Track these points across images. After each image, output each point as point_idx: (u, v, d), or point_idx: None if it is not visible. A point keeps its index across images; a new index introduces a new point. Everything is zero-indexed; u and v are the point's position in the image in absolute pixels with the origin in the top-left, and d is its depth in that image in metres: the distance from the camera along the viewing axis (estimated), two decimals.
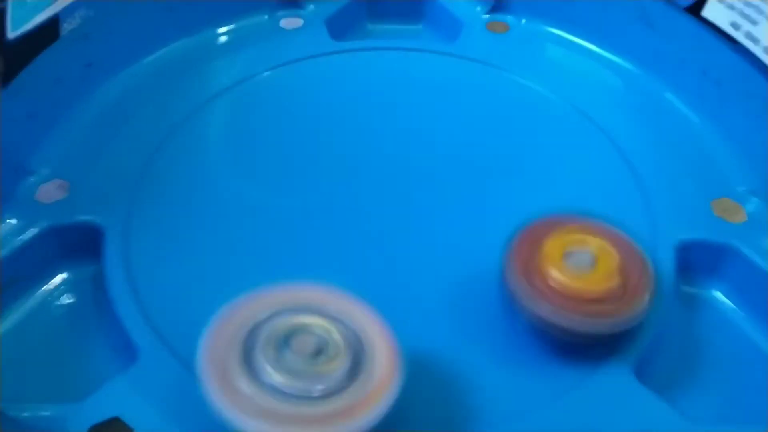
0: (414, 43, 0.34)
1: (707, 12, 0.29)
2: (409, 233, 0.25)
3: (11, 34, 0.24)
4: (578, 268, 0.19)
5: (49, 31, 0.26)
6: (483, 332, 0.22)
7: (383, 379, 0.18)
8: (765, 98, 0.27)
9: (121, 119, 0.28)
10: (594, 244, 0.20)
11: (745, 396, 0.22)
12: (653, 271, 0.20)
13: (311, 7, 0.35)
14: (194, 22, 0.33)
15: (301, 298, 0.19)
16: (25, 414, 0.20)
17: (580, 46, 0.34)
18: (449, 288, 0.23)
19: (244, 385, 0.17)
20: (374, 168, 0.27)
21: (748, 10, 0.27)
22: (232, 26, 0.34)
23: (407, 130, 0.29)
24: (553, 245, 0.20)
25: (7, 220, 0.24)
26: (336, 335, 0.18)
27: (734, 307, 0.25)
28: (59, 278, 0.24)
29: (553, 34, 0.35)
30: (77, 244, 0.24)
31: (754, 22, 0.27)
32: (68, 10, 0.27)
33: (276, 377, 0.17)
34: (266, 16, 0.35)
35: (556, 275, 0.19)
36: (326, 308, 0.19)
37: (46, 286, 0.24)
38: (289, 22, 0.35)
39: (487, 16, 0.36)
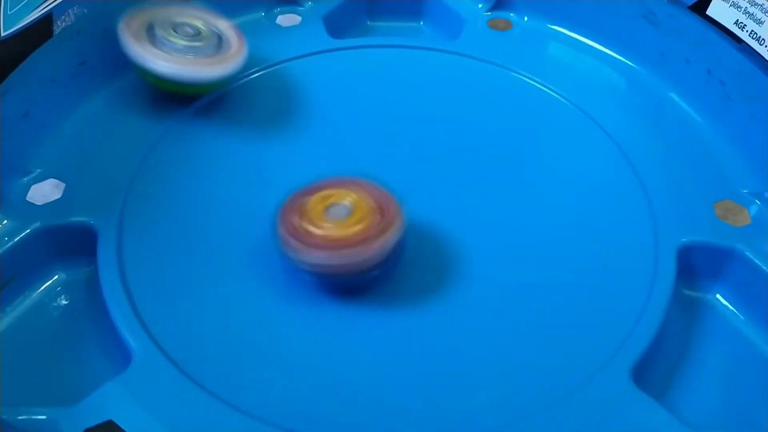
0: (414, 41, 0.34)
1: (712, 11, 0.29)
2: None
3: (4, 32, 0.24)
4: (338, 218, 0.22)
5: (42, 29, 0.26)
6: (476, 333, 0.22)
7: None
8: None
9: (116, 119, 0.28)
10: (350, 197, 0.23)
11: (745, 402, 0.22)
12: (401, 207, 0.23)
13: (309, 3, 0.35)
14: None
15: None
16: (20, 417, 0.20)
17: (583, 44, 0.34)
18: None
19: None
20: (374, 167, 0.27)
21: (752, 9, 0.27)
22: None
23: (407, 130, 0.29)
24: (313, 205, 0.22)
25: (1, 221, 0.24)
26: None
27: (735, 311, 0.24)
28: (53, 280, 0.24)
29: (555, 32, 0.35)
30: (71, 245, 0.24)
31: (758, 21, 0.27)
32: (62, 8, 0.27)
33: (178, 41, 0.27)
34: (262, 13, 0.35)
35: (317, 228, 0.22)
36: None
37: (40, 288, 0.24)
38: (287, 19, 0.34)
39: (489, 13, 0.35)
